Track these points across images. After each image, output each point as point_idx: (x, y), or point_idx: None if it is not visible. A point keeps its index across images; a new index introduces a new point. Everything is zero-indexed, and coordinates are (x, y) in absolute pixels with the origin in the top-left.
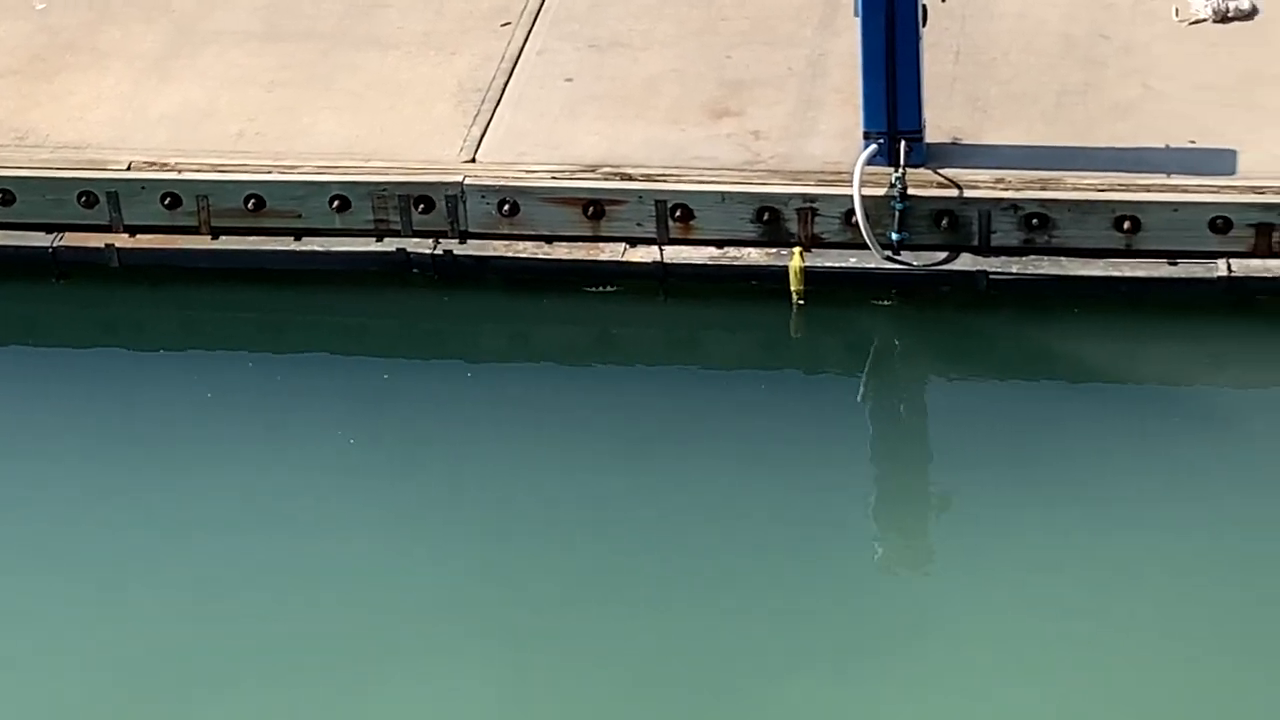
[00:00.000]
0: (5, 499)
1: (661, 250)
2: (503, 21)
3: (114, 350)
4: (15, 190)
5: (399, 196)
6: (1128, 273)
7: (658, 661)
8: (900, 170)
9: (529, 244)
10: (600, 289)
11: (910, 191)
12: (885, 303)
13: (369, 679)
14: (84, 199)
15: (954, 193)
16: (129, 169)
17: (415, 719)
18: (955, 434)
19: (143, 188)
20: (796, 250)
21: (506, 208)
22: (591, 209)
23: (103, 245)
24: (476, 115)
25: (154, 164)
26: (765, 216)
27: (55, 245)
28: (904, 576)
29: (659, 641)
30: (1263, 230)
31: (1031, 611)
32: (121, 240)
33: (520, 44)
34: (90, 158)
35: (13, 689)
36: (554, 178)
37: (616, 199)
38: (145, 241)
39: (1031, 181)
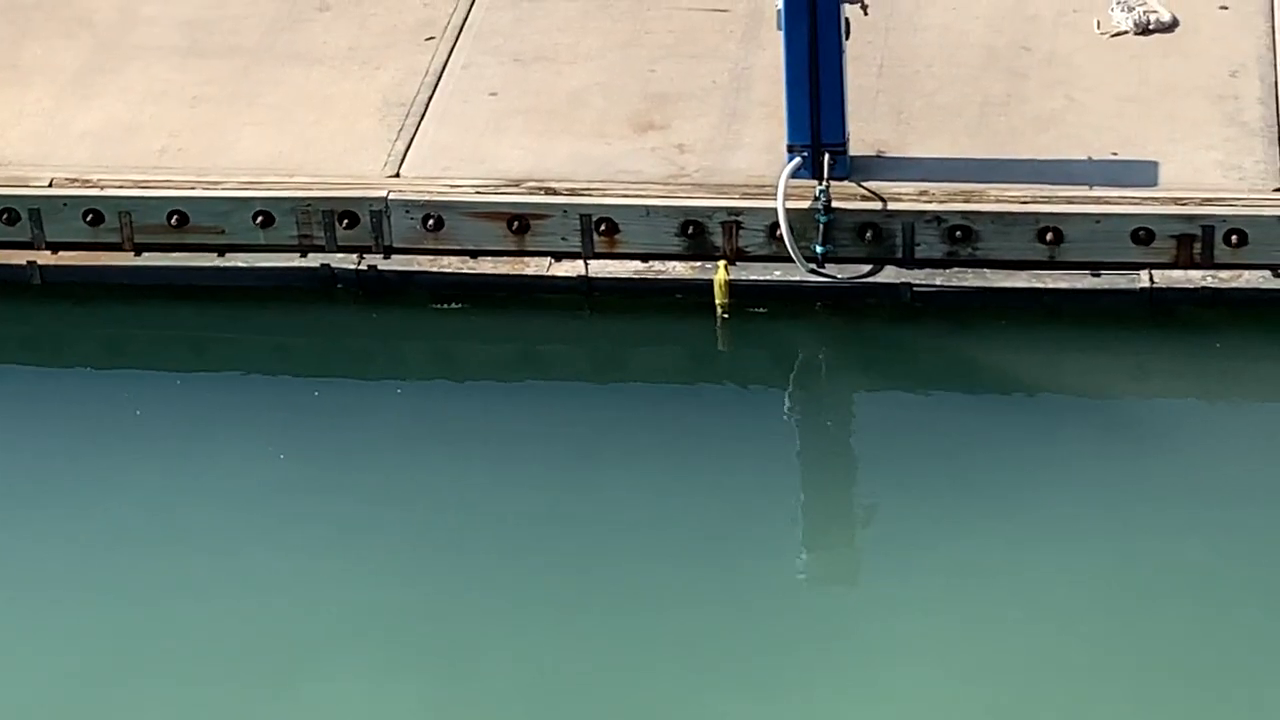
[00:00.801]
0: None
1: (586, 264)
2: (427, 36)
3: (36, 368)
4: None
5: (323, 212)
6: (1051, 284)
7: (580, 678)
8: (824, 183)
9: (454, 259)
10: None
11: (834, 204)
12: (810, 316)
13: (283, 697)
14: (5, 216)
15: (878, 205)
16: (51, 185)
17: None
18: (880, 446)
19: (65, 204)
20: (721, 264)
21: (431, 222)
22: (516, 223)
23: (24, 262)
24: (400, 130)
25: (76, 180)
26: (690, 230)
27: None
28: (828, 589)
29: (582, 658)
30: (1184, 241)
31: (953, 623)
32: (44, 257)
33: (444, 58)
34: (11, 175)
35: None
36: (478, 192)
37: (541, 213)
38: (68, 259)
39: (955, 194)
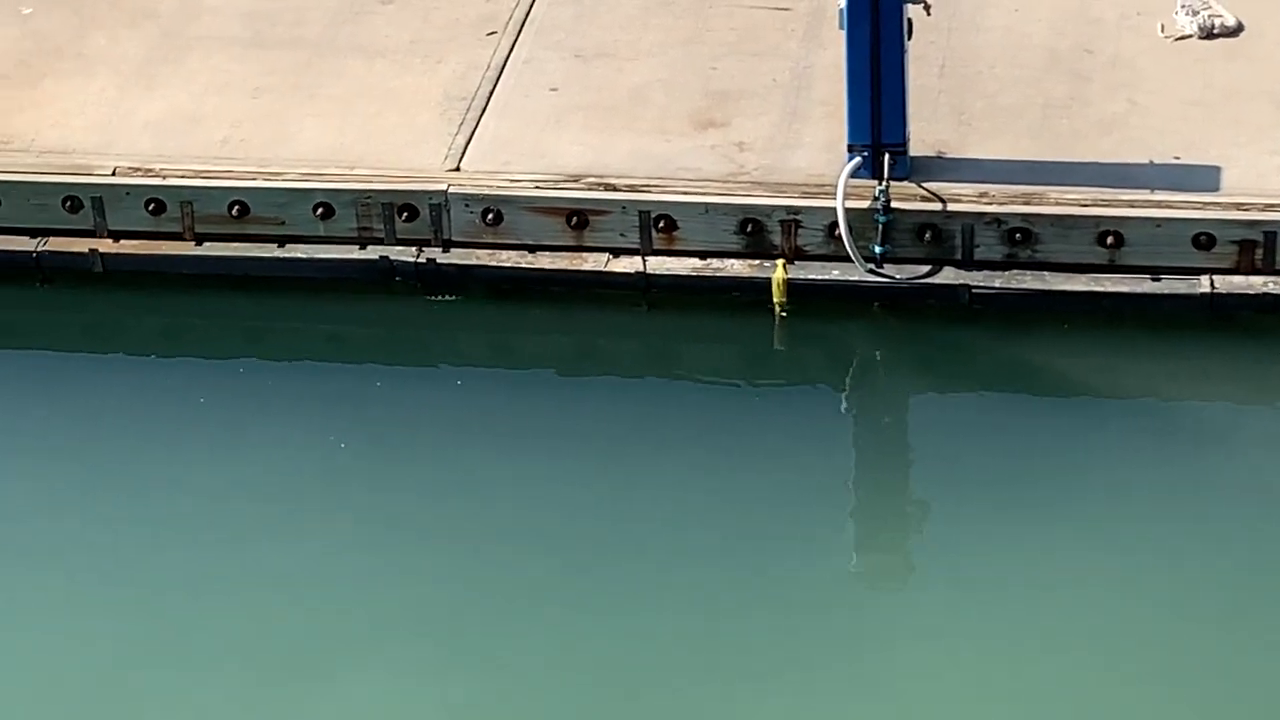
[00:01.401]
0: None
1: (644, 261)
2: (489, 30)
3: (96, 355)
4: (0, 195)
5: (383, 204)
6: (1110, 288)
7: (632, 672)
8: (884, 183)
9: (512, 253)
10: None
11: (894, 205)
12: (867, 316)
13: (345, 683)
14: (68, 204)
15: (937, 206)
16: (114, 174)
17: None
18: (936, 448)
19: (127, 193)
20: (779, 262)
21: (490, 216)
22: (575, 219)
23: (86, 250)
24: (461, 124)
25: (139, 169)
26: (749, 228)
27: (39, 250)
28: (880, 590)
29: (631, 654)
30: (1246, 247)
31: (1008, 626)
32: (105, 245)
33: (506, 53)
34: (75, 163)
35: None
36: (538, 187)
37: (600, 209)
38: (129, 247)
39: (1015, 196)
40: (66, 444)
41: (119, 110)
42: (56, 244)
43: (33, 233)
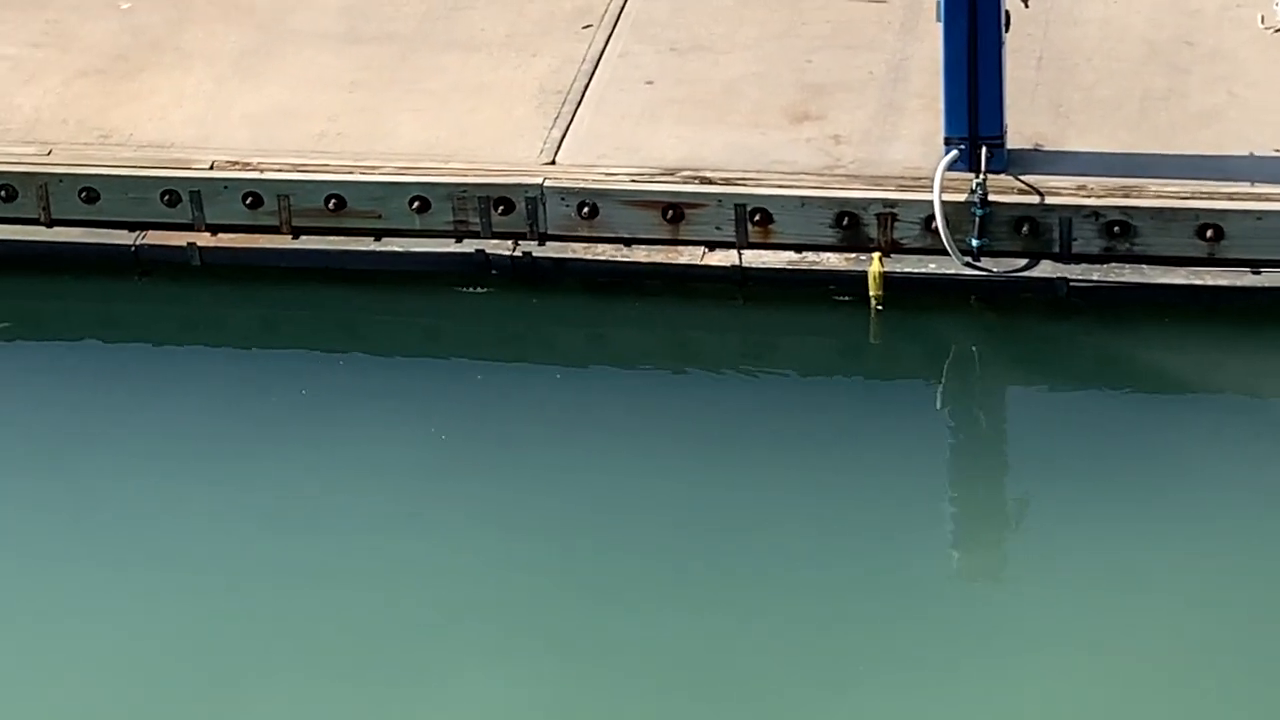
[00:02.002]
0: (86, 493)
1: (740, 254)
2: (584, 24)
3: (194, 348)
4: (99, 189)
5: (479, 198)
6: (1210, 281)
7: (729, 670)
8: (981, 176)
9: (608, 246)
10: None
11: (991, 197)
12: (964, 309)
13: (445, 673)
14: (167, 198)
15: (1035, 199)
16: (211, 168)
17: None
18: (1033, 442)
19: (225, 187)
20: (876, 255)
21: (586, 210)
22: (670, 212)
23: (184, 244)
24: (557, 117)
25: (236, 163)
26: (845, 221)
27: (138, 243)
28: (976, 583)
29: (732, 650)
30: None
31: (1107, 622)
32: (203, 239)
33: (601, 47)
34: (173, 157)
35: (87, 674)
36: (633, 180)
37: (696, 202)
38: (226, 240)
39: (1114, 188)
40: (165, 436)
41: (216, 104)
42: (155, 237)
43: (131, 226)
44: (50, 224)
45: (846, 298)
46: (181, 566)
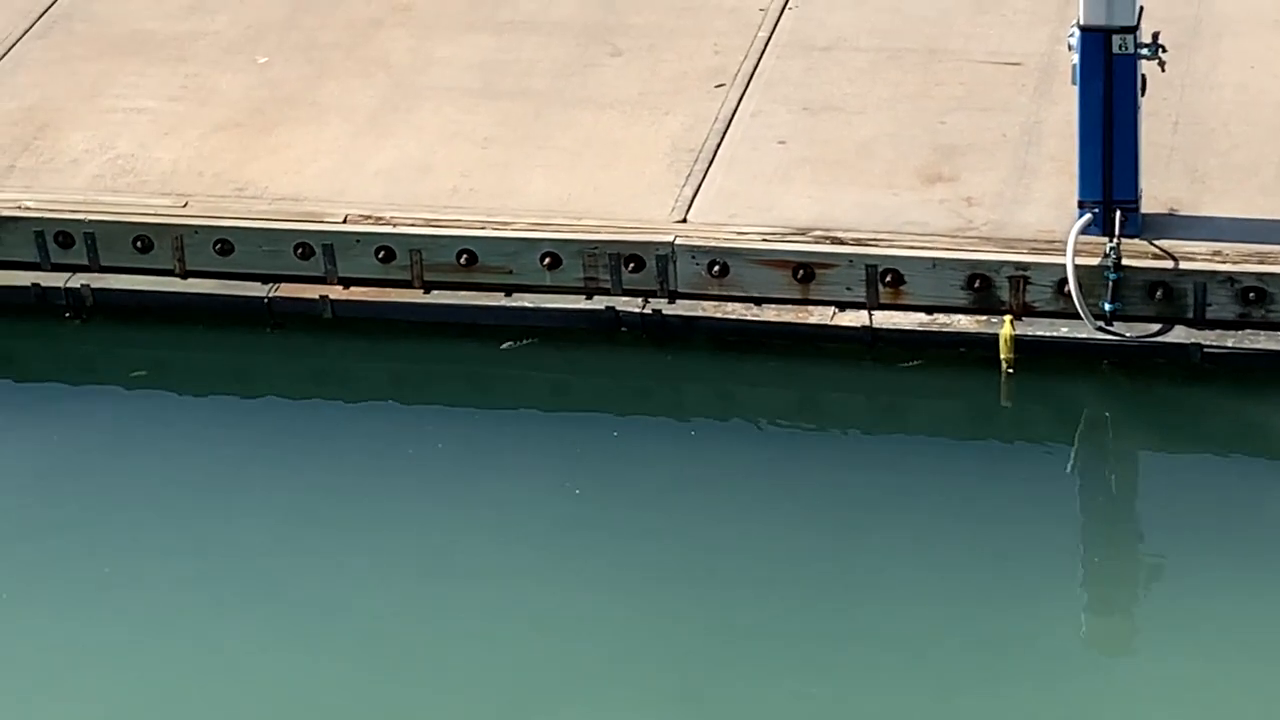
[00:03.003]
0: (212, 542)
1: (870, 315)
2: (717, 83)
3: (325, 401)
4: (234, 240)
5: (610, 255)
6: None
7: None
8: (1115, 240)
9: (738, 305)
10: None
11: (1124, 262)
12: (1096, 374)
13: None
14: (300, 250)
15: (1169, 264)
16: (345, 222)
17: None
18: (1165, 508)
19: (358, 240)
20: (1007, 318)
21: (716, 269)
22: (801, 272)
23: (317, 296)
24: (689, 175)
25: (369, 218)
26: (976, 283)
27: (270, 295)
28: (1108, 652)
29: (846, 708)
30: None
31: (1237, 691)
32: (335, 292)
33: (734, 105)
34: (307, 210)
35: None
36: (765, 240)
37: (827, 262)
38: (358, 294)
39: (1249, 254)
40: (296, 489)
41: (350, 158)
42: (288, 290)
43: (264, 278)
44: (185, 275)
45: (977, 360)
46: (314, 619)
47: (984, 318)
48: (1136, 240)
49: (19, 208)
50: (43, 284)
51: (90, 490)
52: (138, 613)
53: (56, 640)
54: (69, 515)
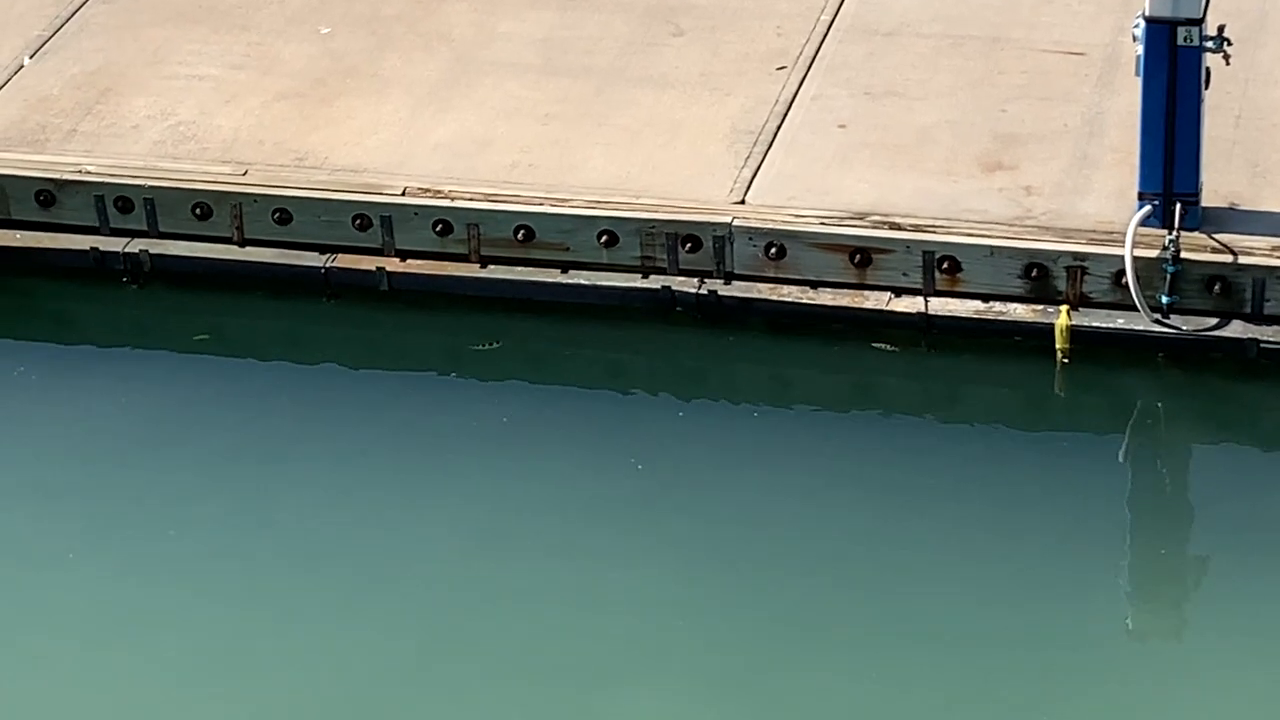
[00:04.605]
0: (265, 509)
1: (926, 301)
2: (778, 65)
3: (380, 372)
4: (292, 210)
5: (667, 235)
6: None
7: (896, 716)
8: (1174, 233)
9: (793, 288)
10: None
11: (1183, 255)
12: (1151, 366)
13: (624, 702)
14: (358, 222)
15: (1228, 258)
16: (403, 194)
17: None
18: (1216, 502)
19: (415, 214)
20: (1063, 308)
21: (773, 251)
22: (858, 256)
23: (374, 268)
24: (748, 157)
25: (428, 191)
26: (1033, 272)
27: (328, 266)
28: (1155, 643)
29: (900, 696)
30: None
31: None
32: (392, 264)
33: (795, 89)
34: (366, 182)
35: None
36: (822, 223)
37: (884, 248)
38: (415, 266)
39: None
40: (348, 458)
41: (411, 131)
42: (345, 261)
43: (322, 249)
44: (243, 243)
45: (1032, 350)
46: (367, 590)
47: (1040, 307)
48: (1196, 233)
49: (80, 172)
50: (101, 248)
51: (143, 453)
52: (189, 575)
53: (110, 600)
54: (123, 477)
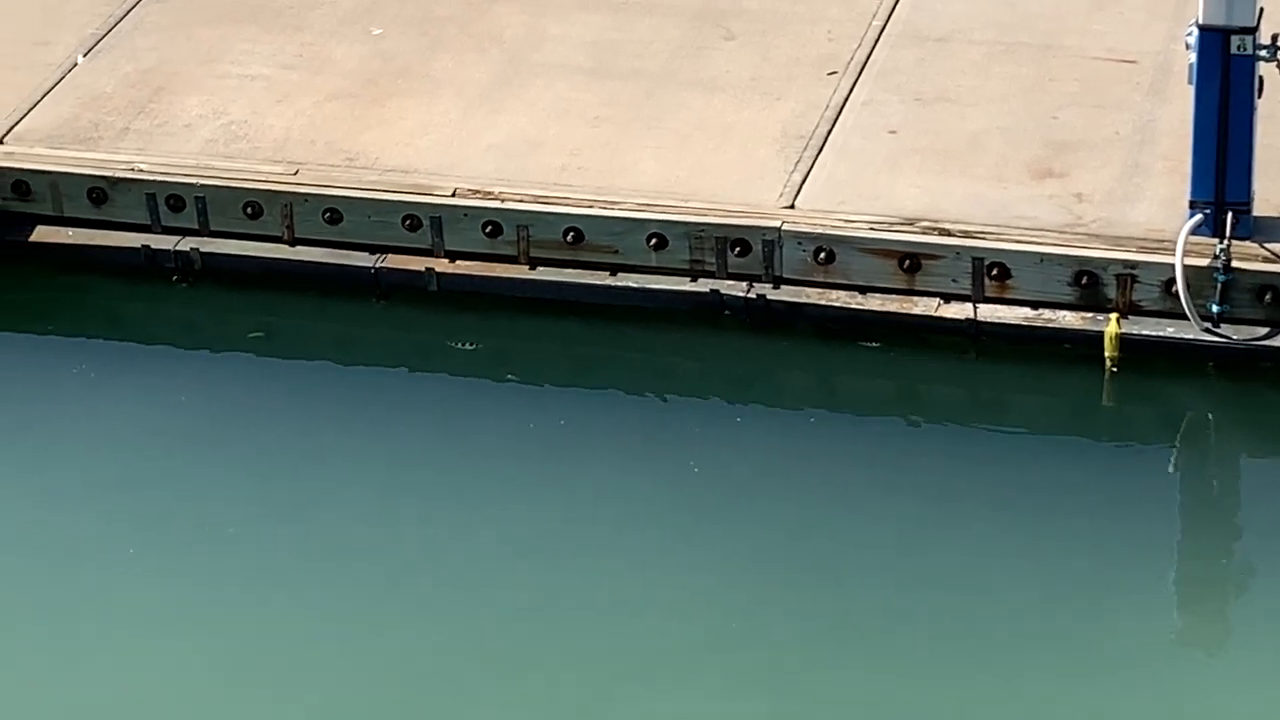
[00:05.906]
0: (312, 507)
1: (975, 308)
2: (829, 70)
3: (427, 374)
4: (343, 210)
5: (716, 238)
6: None
7: None
8: (1225, 242)
9: (842, 293)
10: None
11: (1234, 264)
12: (1200, 376)
13: (665, 705)
14: (408, 222)
15: (1279, 268)
16: (453, 195)
17: None
18: (1263, 512)
19: (465, 215)
20: (1113, 316)
21: (822, 255)
22: (907, 262)
23: (423, 269)
24: (798, 162)
25: (478, 192)
26: (1083, 280)
27: (377, 266)
28: (1200, 655)
29: (944, 705)
30: None
31: None
32: (441, 265)
33: (846, 93)
34: (416, 182)
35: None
36: (872, 228)
37: (933, 254)
38: (464, 268)
39: None
40: (395, 460)
41: (461, 133)
42: (394, 261)
43: (372, 249)
44: (293, 243)
45: (1081, 357)
46: (413, 590)
47: (1090, 315)
48: (1247, 242)
49: (132, 170)
50: (152, 246)
51: (193, 451)
52: (237, 572)
53: (163, 596)
54: (175, 474)
